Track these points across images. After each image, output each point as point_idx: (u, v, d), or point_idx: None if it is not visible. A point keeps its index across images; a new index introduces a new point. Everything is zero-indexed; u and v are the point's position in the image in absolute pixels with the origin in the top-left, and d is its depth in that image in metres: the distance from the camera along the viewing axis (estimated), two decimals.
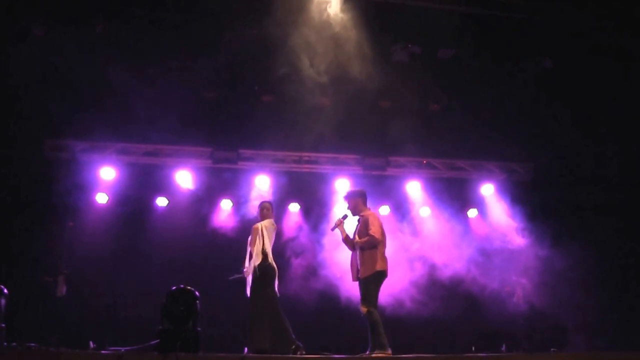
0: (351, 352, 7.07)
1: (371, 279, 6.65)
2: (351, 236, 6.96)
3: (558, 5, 8.87)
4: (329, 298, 9.35)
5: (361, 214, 6.97)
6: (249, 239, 7.22)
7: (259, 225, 7.18)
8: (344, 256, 9.32)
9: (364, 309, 6.52)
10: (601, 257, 9.86)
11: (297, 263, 9.55)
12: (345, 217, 7.03)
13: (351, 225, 7.06)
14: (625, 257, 9.98)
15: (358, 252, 6.79)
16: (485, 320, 9.89)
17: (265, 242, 7.08)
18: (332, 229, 7.05)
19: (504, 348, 9.33)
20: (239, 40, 9.05)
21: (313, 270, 9.58)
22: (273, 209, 7.48)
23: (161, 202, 9.88)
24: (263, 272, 6.95)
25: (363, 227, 6.83)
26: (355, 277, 6.84)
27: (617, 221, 9.94)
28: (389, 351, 6.42)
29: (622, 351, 7.48)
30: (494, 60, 9.57)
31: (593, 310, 9.66)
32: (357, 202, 7.02)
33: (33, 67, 8.67)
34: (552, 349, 8.51)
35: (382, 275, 6.72)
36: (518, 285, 9.95)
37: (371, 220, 6.81)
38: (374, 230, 6.70)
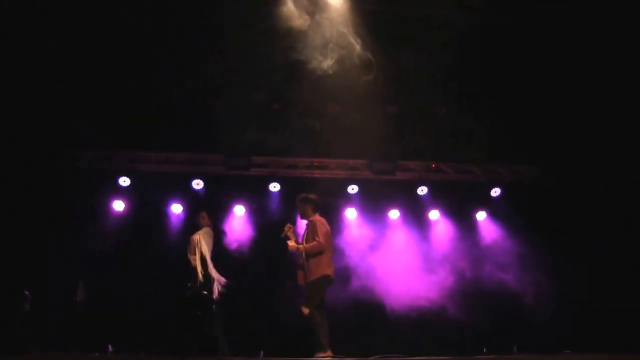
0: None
1: (317, 283, 6.92)
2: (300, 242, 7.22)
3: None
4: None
5: (309, 219, 7.23)
6: (188, 248, 7.73)
7: (196, 235, 7.72)
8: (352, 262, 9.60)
9: (305, 310, 6.78)
10: (611, 261, 9.85)
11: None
12: (293, 224, 7.37)
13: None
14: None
15: (305, 257, 7.02)
16: (496, 321, 9.96)
17: (203, 250, 7.61)
18: (283, 236, 7.22)
19: (515, 349, 9.44)
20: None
21: None
22: (209, 217, 8.12)
23: (176, 208, 10.07)
24: (205, 279, 7.54)
25: (310, 232, 7.11)
26: (302, 281, 7.10)
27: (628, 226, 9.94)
28: (329, 352, 6.67)
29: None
30: (500, 64, 9.66)
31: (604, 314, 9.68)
32: (307, 207, 7.31)
33: (49, 77, 8.89)
34: (566, 351, 8.59)
35: (327, 279, 7.00)
36: (528, 286, 10.04)
37: (318, 226, 7.07)
38: (320, 237, 6.96)
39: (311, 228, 7.12)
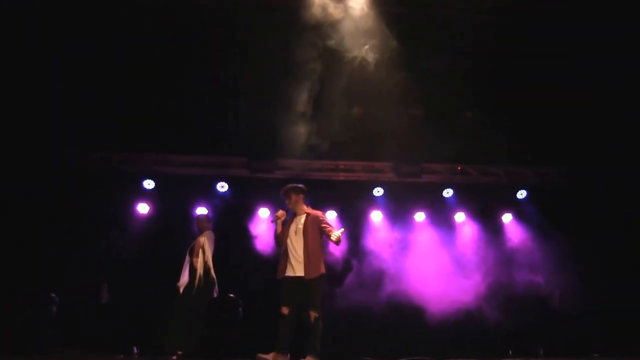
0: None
1: (321, 281, 6.45)
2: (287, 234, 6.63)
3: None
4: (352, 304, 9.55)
5: (304, 210, 6.72)
6: (190, 250, 7.73)
7: (201, 238, 7.70)
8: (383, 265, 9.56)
9: (314, 314, 6.30)
10: (636, 262, 9.80)
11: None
12: (289, 212, 6.79)
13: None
14: None
15: (308, 250, 6.42)
16: (522, 323, 9.85)
17: (207, 255, 7.58)
18: (273, 221, 6.76)
19: (541, 352, 9.36)
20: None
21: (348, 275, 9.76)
22: (210, 221, 8.13)
23: (200, 211, 10.03)
24: (206, 282, 7.50)
25: (314, 223, 6.53)
26: (282, 275, 6.55)
27: None
28: None
29: None
30: (524, 65, 9.61)
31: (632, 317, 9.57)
32: (299, 198, 6.79)
33: (71, 79, 8.93)
34: (595, 354, 8.50)
35: (324, 278, 6.54)
36: (554, 288, 9.96)
37: (324, 217, 6.66)
38: (332, 226, 6.50)
39: (314, 219, 6.58)
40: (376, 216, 10.27)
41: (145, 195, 9.97)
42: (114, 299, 9.39)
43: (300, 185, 6.91)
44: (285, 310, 6.44)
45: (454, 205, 10.48)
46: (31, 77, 8.71)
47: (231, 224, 9.98)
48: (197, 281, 7.56)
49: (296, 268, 6.46)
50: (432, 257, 9.88)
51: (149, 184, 9.95)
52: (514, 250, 10.20)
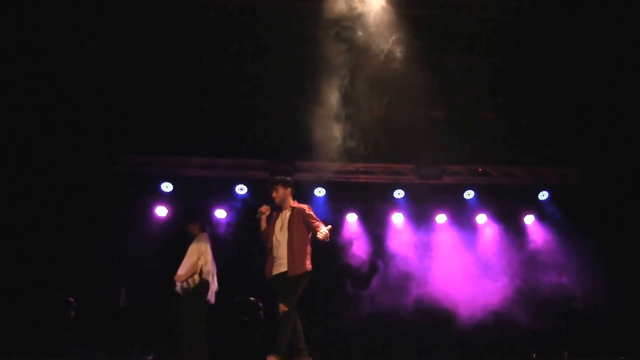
0: None
1: (305, 277, 6.10)
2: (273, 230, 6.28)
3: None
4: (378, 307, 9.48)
5: (291, 205, 6.37)
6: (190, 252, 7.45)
7: (204, 242, 7.49)
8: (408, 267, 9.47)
9: (284, 308, 5.95)
10: None
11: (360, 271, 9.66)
12: (272, 206, 6.47)
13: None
14: None
15: (292, 246, 6.08)
16: (546, 325, 9.76)
17: (208, 259, 7.38)
18: (257, 217, 6.49)
19: (566, 354, 9.25)
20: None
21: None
22: (201, 224, 7.77)
23: (220, 214, 9.98)
24: (200, 286, 7.28)
25: (299, 218, 6.19)
26: (271, 273, 6.23)
27: None
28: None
29: None
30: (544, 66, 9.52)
31: None
32: (287, 191, 6.43)
33: (89, 80, 8.89)
34: (620, 357, 8.39)
35: (309, 275, 6.16)
36: (579, 290, 9.85)
37: (311, 213, 6.23)
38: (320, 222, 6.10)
39: (299, 214, 6.22)
40: (397, 218, 10.18)
41: (163, 198, 9.92)
42: (132, 302, 9.33)
43: (288, 179, 6.57)
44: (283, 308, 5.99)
45: (475, 206, 10.39)
46: (55, 79, 8.67)
47: (251, 227, 9.88)
48: (191, 285, 7.38)
49: (282, 265, 6.13)
50: (457, 259, 9.82)
51: (167, 187, 9.89)
52: (538, 251, 10.12)
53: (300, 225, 6.17)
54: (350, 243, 9.95)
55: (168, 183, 9.91)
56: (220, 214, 10.01)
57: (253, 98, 9.54)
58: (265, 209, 6.45)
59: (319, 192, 10.10)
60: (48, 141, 9.09)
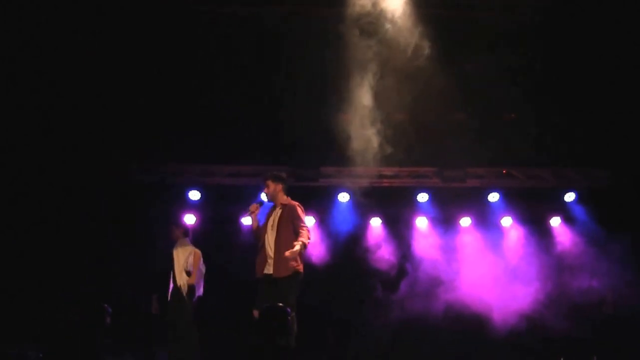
0: None
1: (296, 277, 5.98)
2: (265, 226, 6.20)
3: None
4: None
5: (282, 202, 6.25)
6: (189, 261, 7.63)
7: (198, 250, 7.68)
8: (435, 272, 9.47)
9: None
10: None
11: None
12: (262, 203, 6.36)
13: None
14: None
15: (279, 246, 5.93)
16: (575, 330, 9.68)
17: (201, 266, 7.64)
18: (247, 215, 6.42)
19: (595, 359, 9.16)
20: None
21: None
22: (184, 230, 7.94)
23: (247, 221, 10.10)
24: (191, 291, 7.53)
25: (289, 217, 6.08)
26: (263, 273, 6.07)
27: None
28: None
29: None
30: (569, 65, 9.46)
31: None
32: (278, 187, 6.30)
33: (117, 90, 9.10)
34: None
35: (301, 276, 6.06)
36: (608, 292, 9.74)
37: (300, 212, 6.12)
38: (305, 223, 6.03)
39: (289, 212, 6.10)
40: (421, 222, 10.18)
41: (191, 206, 10.05)
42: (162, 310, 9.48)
43: (280, 174, 6.48)
44: (257, 314, 5.77)
45: (500, 209, 10.34)
46: (86, 91, 8.94)
47: None
48: (184, 293, 7.58)
49: (270, 265, 6.00)
50: (484, 263, 9.78)
51: (194, 195, 10.03)
52: (566, 254, 10.04)
53: (289, 224, 6.07)
54: (378, 247, 10.01)
55: (195, 191, 10.05)
56: (247, 221, 10.11)
57: (278, 105, 9.66)
58: (254, 207, 6.31)
59: (343, 197, 10.16)
60: (77, 151, 9.32)
